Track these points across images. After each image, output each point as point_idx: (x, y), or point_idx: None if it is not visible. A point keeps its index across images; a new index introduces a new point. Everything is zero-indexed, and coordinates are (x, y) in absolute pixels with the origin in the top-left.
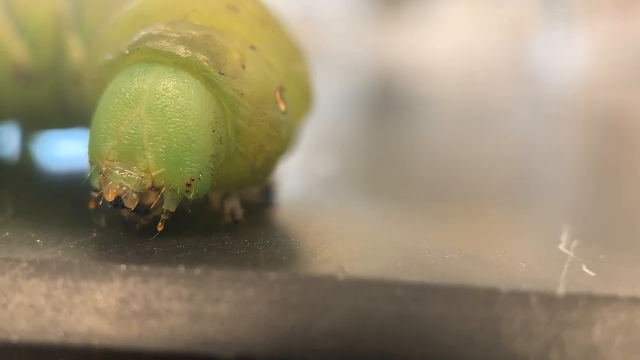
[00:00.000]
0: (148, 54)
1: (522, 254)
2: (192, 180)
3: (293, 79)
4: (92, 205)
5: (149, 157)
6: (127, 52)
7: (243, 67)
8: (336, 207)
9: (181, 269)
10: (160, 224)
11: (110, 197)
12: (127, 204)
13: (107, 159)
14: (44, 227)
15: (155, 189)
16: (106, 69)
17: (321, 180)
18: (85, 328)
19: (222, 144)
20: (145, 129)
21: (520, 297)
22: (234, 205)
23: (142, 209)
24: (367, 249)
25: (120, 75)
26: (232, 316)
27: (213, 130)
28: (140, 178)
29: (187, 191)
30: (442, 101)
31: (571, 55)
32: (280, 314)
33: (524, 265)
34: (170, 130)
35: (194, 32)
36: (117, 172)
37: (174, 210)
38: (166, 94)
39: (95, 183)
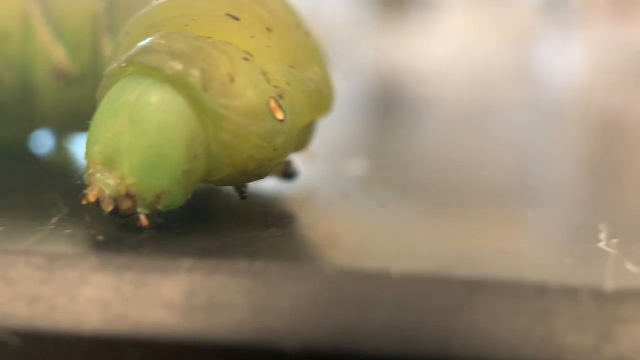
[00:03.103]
0: (140, 68)
1: (563, 251)
2: (162, 193)
3: (300, 84)
4: (84, 202)
5: (125, 166)
6: (123, 64)
7: (232, 80)
8: (370, 206)
9: (242, 263)
10: (146, 222)
11: (91, 198)
12: (103, 207)
13: (93, 162)
14: (102, 226)
15: (129, 196)
16: (108, 78)
17: (346, 180)
18: (153, 320)
19: (197, 161)
20: (125, 138)
21: (570, 293)
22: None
23: (117, 213)
24: (413, 246)
25: (115, 85)
26: (293, 310)
27: (188, 148)
28: (116, 185)
29: (158, 202)
30: (445, 104)
31: (571, 59)
32: (338, 308)
33: (568, 262)
34: (146, 143)
35: (184, 46)
36: (99, 175)
37: (148, 213)
38: (147, 108)
39: (86, 182)
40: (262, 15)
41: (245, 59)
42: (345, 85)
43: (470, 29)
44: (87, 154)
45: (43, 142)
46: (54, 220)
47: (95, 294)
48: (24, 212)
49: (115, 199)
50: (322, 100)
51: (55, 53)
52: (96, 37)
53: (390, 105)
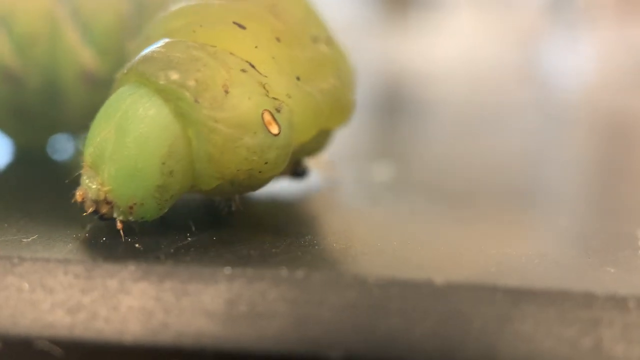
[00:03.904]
0: (137, 76)
1: (605, 259)
2: (135, 204)
3: (303, 97)
4: (72, 200)
5: (105, 172)
6: (125, 71)
7: (226, 91)
8: (401, 212)
9: (283, 272)
10: (120, 225)
11: (77, 198)
12: (85, 207)
13: (84, 163)
14: (139, 233)
15: (107, 202)
16: (115, 82)
17: (369, 184)
18: (195, 329)
19: (172, 177)
20: (109, 146)
21: (618, 302)
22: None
23: (97, 215)
24: (452, 254)
25: (116, 92)
26: (336, 319)
27: (163, 164)
28: (97, 189)
29: (130, 213)
30: (451, 105)
31: (577, 60)
32: (381, 317)
33: (612, 271)
34: (124, 154)
35: (182, 55)
36: (85, 177)
37: (125, 220)
38: (132, 119)
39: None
40: (272, 24)
41: (243, 70)
42: None
43: (475, 30)
44: (82, 154)
45: (63, 145)
46: (88, 227)
47: (136, 302)
48: (56, 219)
49: (96, 202)
50: (334, 112)
51: (83, 55)
52: (123, 40)
53: (396, 107)
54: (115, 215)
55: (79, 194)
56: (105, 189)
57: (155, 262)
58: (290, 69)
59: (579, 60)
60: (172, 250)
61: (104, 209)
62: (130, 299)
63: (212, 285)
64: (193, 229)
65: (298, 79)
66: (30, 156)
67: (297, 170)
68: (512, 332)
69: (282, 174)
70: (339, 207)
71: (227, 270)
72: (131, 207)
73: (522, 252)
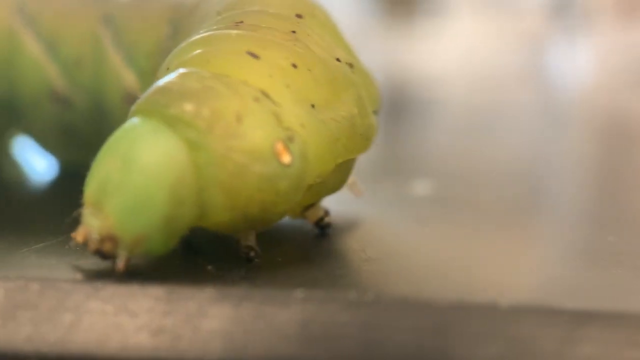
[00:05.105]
0: (149, 106)
1: None
2: (142, 237)
3: (318, 126)
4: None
5: (109, 206)
6: (139, 102)
7: (239, 120)
8: (447, 230)
9: (353, 294)
10: (122, 266)
11: (78, 238)
12: (88, 247)
13: (86, 200)
14: (206, 255)
15: (110, 238)
16: (129, 115)
17: (402, 199)
18: (273, 351)
19: (182, 207)
20: (115, 178)
21: None
22: (249, 243)
23: (100, 254)
24: (512, 275)
25: (123, 124)
26: (404, 342)
27: (172, 192)
28: (100, 225)
29: (137, 246)
30: (455, 108)
31: (578, 63)
32: (448, 340)
33: None
34: (131, 184)
35: (197, 85)
36: (87, 215)
37: (128, 257)
38: (139, 148)
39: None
40: (289, 50)
41: (256, 99)
42: None
43: (477, 34)
44: (84, 194)
45: None
46: None
47: (216, 325)
48: None
49: (100, 240)
50: (351, 139)
51: (125, 77)
52: (162, 62)
53: (400, 110)
54: (119, 251)
55: (80, 234)
56: (109, 223)
57: (231, 285)
58: (306, 97)
59: (580, 62)
60: (243, 272)
61: (107, 247)
62: (210, 322)
63: (286, 308)
64: (258, 249)
65: (313, 106)
66: (75, 173)
67: (320, 222)
68: (577, 355)
69: (308, 219)
70: (387, 226)
71: (300, 293)
72: (137, 241)
73: (578, 272)
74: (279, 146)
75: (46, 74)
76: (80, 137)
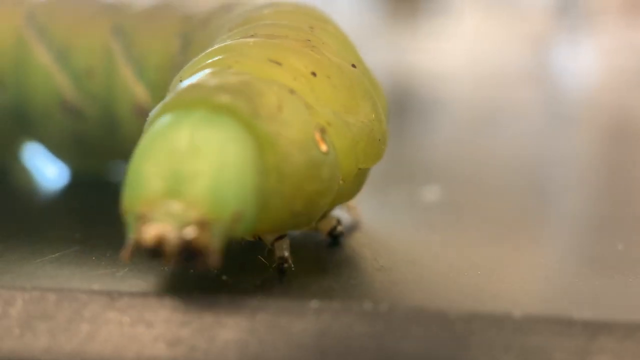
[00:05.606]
0: (186, 103)
1: None
2: (238, 215)
3: (341, 127)
4: (126, 257)
5: (193, 192)
6: (168, 101)
7: (280, 109)
8: (458, 238)
9: (367, 305)
10: (216, 260)
11: (149, 242)
12: (167, 247)
13: (146, 200)
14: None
15: (203, 225)
16: (150, 119)
17: (410, 205)
18: None
19: (262, 176)
20: (186, 165)
21: None
22: (284, 254)
23: (185, 253)
24: (525, 283)
25: (157, 123)
26: (418, 352)
27: (252, 167)
28: (183, 215)
29: (235, 226)
30: (460, 107)
31: (583, 62)
32: (463, 350)
33: None
34: (211, 166)
35: (232, 79)
36: (157, 212)
37: (220, 249)
38: (204, 133)
39: (133, 232)
40: (308, 57)
41: (291, 91)
42: None
43: (482, 33)
44: (136, 197)
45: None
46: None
47: (232, 335)
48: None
49: (182, 238)
50: (368, 146)
51: (136, 90)
52: (172, 76)
53: (406, 108)
54: (212, 239)
55: (151, 236)
56: (198, 209)
57: (245, 295)
58: (327, 102)
59: (584, 62)
60: (258, 282)
61: (201, 236)
62: (225, 332)
63: (301, 318)
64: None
65: (335, 112)
66: (85, 179)
67: (334, 231)
68: None
69: (321, 229)
70: (398, 234)
71: (315, 303)
72: (235, 219)
73: (590, 280)
74: (317, 135)
75: (57, 83)
76: (92, 146)
